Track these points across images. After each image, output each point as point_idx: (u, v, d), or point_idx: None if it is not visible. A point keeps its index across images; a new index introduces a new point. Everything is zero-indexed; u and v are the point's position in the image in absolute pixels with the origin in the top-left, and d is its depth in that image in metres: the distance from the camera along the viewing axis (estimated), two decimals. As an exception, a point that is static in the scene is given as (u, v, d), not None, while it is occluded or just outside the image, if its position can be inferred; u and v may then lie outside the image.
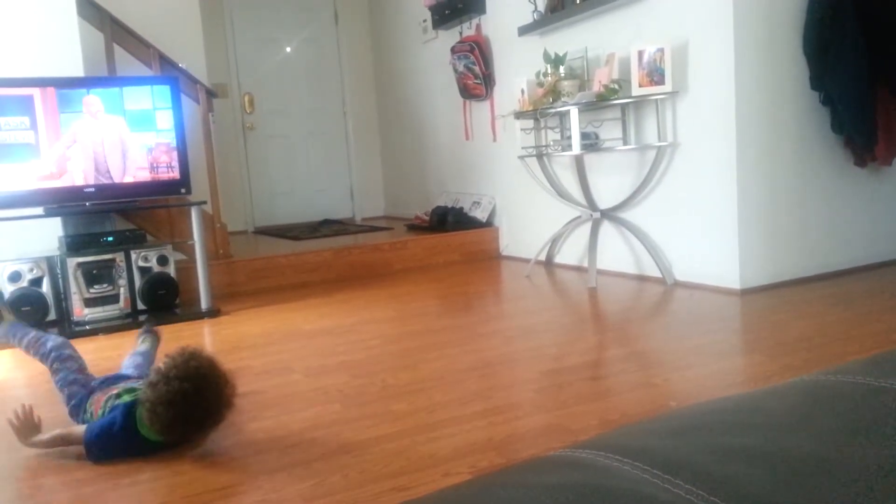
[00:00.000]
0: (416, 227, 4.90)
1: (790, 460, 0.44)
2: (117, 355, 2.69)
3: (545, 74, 3.51)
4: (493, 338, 2.57)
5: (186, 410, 1.56)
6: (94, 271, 3.18)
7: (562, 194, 3.80)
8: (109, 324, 3.16)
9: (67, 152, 3.15)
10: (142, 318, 3.23)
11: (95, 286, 3.19)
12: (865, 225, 3.23)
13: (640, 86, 3.08)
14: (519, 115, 3.76)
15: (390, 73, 6.05)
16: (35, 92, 3.10)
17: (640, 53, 3.05)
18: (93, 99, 3.20)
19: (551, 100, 3.45)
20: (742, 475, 0.42)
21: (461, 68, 4.55)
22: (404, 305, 3.27)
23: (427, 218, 4.87)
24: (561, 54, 3.46)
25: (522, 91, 3.69)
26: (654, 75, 3.04)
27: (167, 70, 3.77)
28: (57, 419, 1.97)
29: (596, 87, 3.27)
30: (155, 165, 3.32)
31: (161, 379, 1.58)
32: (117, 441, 1.61)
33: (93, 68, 3.58)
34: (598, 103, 3.27)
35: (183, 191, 3.39)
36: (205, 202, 3.51)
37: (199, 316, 3.27)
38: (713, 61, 2.94)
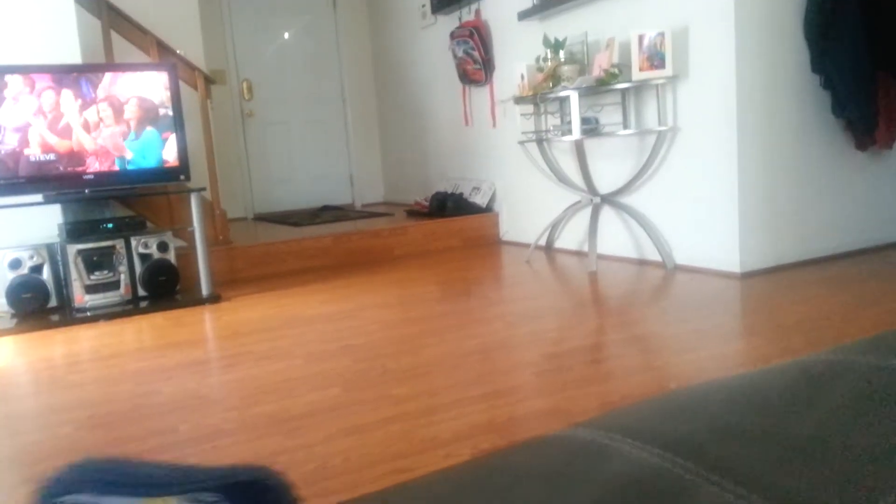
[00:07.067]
0: (415, 213, 4.89)
1: (789, 440, 0.44)
2: (118, 342, 2.70)
3: (545, 59, 3.50)
4: (493, 322, 2.58)
5: None
6: (95, 258, 3.19)
7: (562, 179, 3.80)
8: (110, 310, 3.17)
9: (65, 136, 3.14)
10: (143, 304, 3.24)
11: (96, 273, 3.20)
12: (866, 208, 3.22)
13: (641, 70, 3.06)
14: (519, 100, 3.74)
15: (389, 59, 6.02)
16: (32, 78, 3.09)
17: (641, 38, 3.03)
18: (90, 86, 3.19)
19: (551, 85, 3.43)
20: (741, 454, 0.43)
21: (460, 53, 4.53)
22: (404, 291, 3.27)
23: (427, 204, 4.86)
24: (561, 39, 3.44)
25: (522, 76, 3.67)
26: (655, 60, 3.02)
27: (165, 57, 3.75)
28: (58, 404, 1.98)
29: (596, 72, 3.26)
30: (154, 152, 3.31)
31: None
32: None
33: (90, 55, 3.57)
34: (599, 88, 3.26)
35: (182, 177, 3.38)
36: (204, 189, 3.51)
37: (199, 302, 3.28)
38: (714, 45, 2.93)
